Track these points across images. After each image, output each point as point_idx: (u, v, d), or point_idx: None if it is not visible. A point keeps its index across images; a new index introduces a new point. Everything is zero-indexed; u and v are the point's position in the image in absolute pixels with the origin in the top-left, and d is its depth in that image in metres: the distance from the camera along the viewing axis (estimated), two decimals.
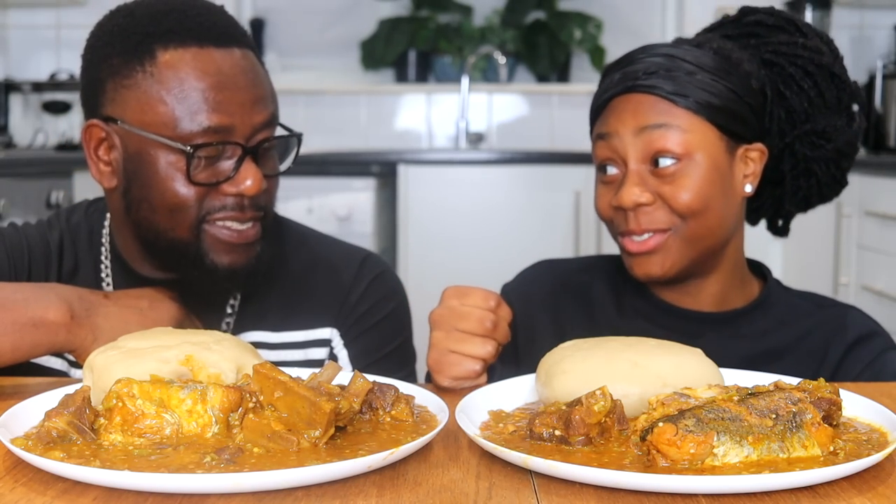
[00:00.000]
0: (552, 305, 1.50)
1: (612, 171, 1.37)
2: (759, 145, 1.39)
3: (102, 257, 1.39)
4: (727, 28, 1.47)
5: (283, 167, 1.36)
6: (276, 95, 1.32)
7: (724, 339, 1.39)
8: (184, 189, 1.24)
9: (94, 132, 1.29)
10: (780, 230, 1.58)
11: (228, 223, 1.27)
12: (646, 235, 1.35)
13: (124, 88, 1.25)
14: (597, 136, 1.40)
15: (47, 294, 1.18)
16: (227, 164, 1.25)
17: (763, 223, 1.57)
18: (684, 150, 1.33)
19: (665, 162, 1.33)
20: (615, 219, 1.38)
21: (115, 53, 1.26)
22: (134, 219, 1.29)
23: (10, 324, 1.15)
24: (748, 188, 1.40)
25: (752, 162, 1.39)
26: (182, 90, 1.22)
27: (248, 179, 1.25)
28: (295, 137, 1.35)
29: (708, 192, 1.34)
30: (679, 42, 1.42)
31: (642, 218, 1.34)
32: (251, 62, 1.28)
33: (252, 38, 1.33)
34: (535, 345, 1.44)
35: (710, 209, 1.35)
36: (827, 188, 1.47)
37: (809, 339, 1.41)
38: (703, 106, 1.34)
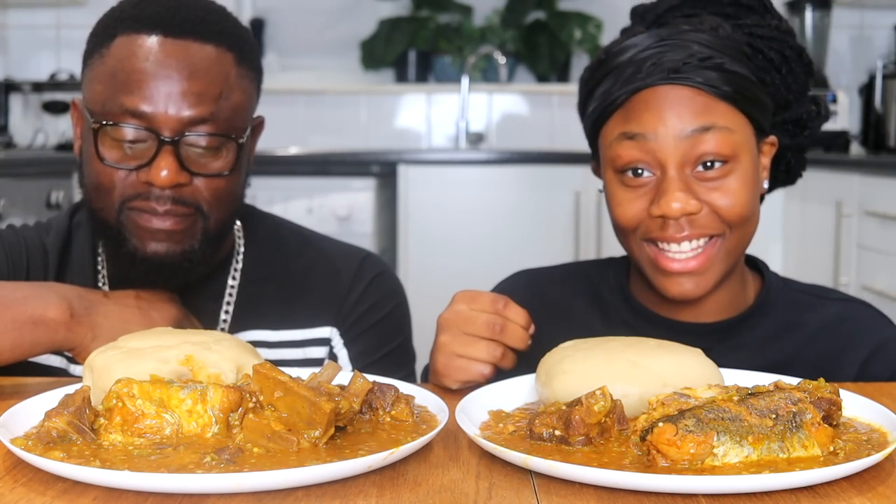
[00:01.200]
0: None
1: (643, 174, 1.24)
2: (772, 138, 1.31)
3: (98, 258, 1.40)
4: (702, 5, 1.34)
5: (215, 169, 1.28)
6: (235, 98, 1.28)
7: (724, 351, 1.27)
8: (100, 167, 1.26)
9: (74, 112, 1.35)
10: None
11: (147, 212, 1.26)
12: (687, 248, 1.23)
13: (88, 69, 1.30)
14: (621, 134, 1.25)
15: (47, 292, 1.18)
16: (147, 153, 1.25)
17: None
18: (731, 151, 1.22)
19: (712, 166, 1.22)
20: (648, 227, 1.25)
21: (91, 39, 1.31)
22: (83, 196, 1.34)
23: (10, 322, 1.15)
24: (765, 184, 1.32)
25: (763, 156, 1.31)
26: (116, 72, 1.25)
27: (164, 170, 1.23)
28: (234, 142, 1.28)
29: (753, 197, 1.25)
30: (679, 27, 1.29)
31: (686, 225, 1.22)
32: (207, 59, 1.26)
33: (231, 34, 1.30)
34: None
35: (755, 214, 1.26)
36: (793, 174, 1.40)
37: (817, 345, 1.32)
38: (739, 97, 1.23)
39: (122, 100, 1.23)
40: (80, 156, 1.33)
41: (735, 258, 1.28)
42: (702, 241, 1.24)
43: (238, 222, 1.44)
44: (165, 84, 1.23)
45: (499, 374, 1.29)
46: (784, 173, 1.39)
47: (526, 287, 1.43)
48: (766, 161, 1.31)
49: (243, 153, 1.31)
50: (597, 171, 1.38)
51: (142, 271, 1.27)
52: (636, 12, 1.38)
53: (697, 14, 1.33)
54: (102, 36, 1.29)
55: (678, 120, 1.21)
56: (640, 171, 1.24)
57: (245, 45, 1.32)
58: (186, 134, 1.24)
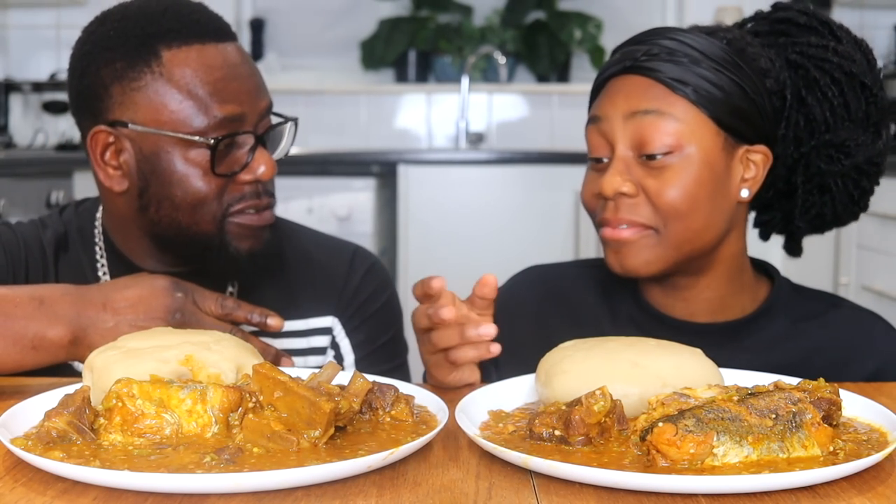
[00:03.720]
0: (537, 315, 1.43)
1: (601, 158, 1.29)
2: (763, 148, 1.29)
3: (97, 255, 1.40)
4: (756, 23, 1.37)
5: (282, 152, 1.37)
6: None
7: (730, 352, 1.27)
8: (204, 183, 1.27)
9: (100, 138, 1.30)
10: (791, 248, 1.46)
11: (248, 211, 1.30)
12: (623, 226, 1.26)
13: (133, 91, 1.27)
14: (589, 119, 1.32)
15: (46, 312, 1.17)
16: (241, 153, 1.29)
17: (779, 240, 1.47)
18: (676, 140, 1.24)
19: (654, 151, 1.24)
20: (598, 209, 1.30)
21: (117, 58, 1.27)
22: (153, 218, 1.30)
23: (12, 345, 1.16)
24: (745, 193, 1.30)
25: (753, 165, 1.29)
26: (193, 86, 1.26)
27: (262, 166, 1.29)
28: (292, 122, 1.39)
29: (696, 192, 1.25)
30: (693, 28, 1.33)
31: (622, 208, 1.26)
32: (245, 53, 1.33)
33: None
34: (519, 355, 1.37)
35: (697, 210, 1.25)
36: (842, 208, 1.37)
37: (825, 353, 1.31)
38: (702, 97, 1.24)
39: (214, 110, 1.26)
40: (126, 179, 1.30)
41: (685, 251, 1.27)
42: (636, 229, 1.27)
43: None
44: (242, 84, 1.29)
45: (499, 373, 1.29)
46: (830, 206, 1.37)
47: (537, 282, 1.46)
48: (755, 171, 1.30)
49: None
50: None
51: (245, 270, 1.32)
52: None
53: (760, 32, 1.36)
54: (139, 55, 1.26)
55: (626, 101, 1.27)
56: (601, 158, 1.29)
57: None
58: (269, 126, 1.32)
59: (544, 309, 1.43)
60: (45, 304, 1.18)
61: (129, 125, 1.27)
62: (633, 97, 1.26)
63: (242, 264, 1.32)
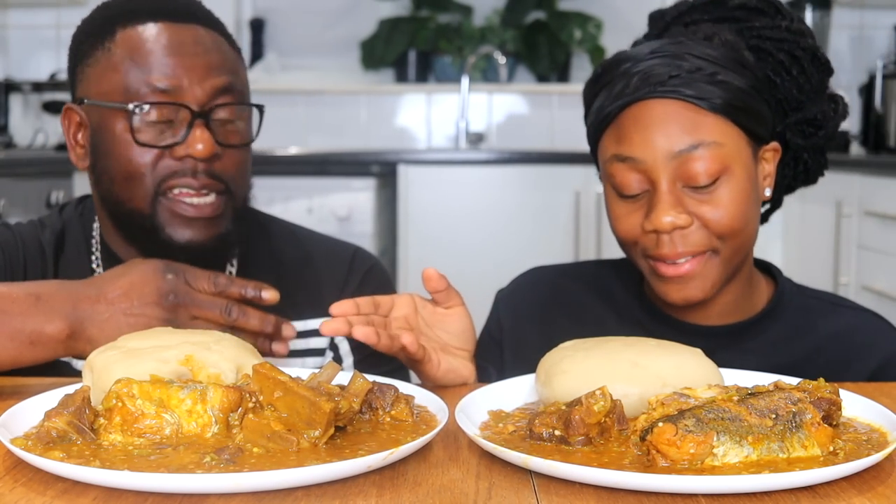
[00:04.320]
0: (541, 316, 1.43)
1: (637, 192, 1.25)
2: (775, 144, 1.31)
3: (93, 249, 1.41)
4: (708, 12, 1.34)
5: (244, 138, 1.34)
6: (242, 75, 1.35)
7: (734, 354, 1.29)
8: (134, 154, 1.27)
9: (70, 116, 1.36)
10: (763, 216, 1.44)
11: (185, 197, 1.28)
12: (682, 259, 1.24)
13: (88, 67, 1.32)
14: (614, 156, 1.26)
15: (43, 308, 1.18)
16: (179, 129, 1.28)
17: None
18: (721, 165, 1.22)
19: (703, 183, 1.22)
20: (644, 242, 1.26)
21: (83, 40, 1.33)
22: (101, 193, 1.33)
23: (9, 340, 1.16)
24: (767, 191, 1.31)
25: (766, 162, 1.30)
26: (134, 58, 1.28)
27: (199, 143, 1.26)
28: (256, 108, 1.36)
29: (745, 206, 1.24)
30: (677, 37, 1.30)
31: (679, 241, 1.23)
32: (210, 37, 1.32)
33: (220, 22, 1.37)
34: (523, 356, 1.38)
35: (749, 222, 1.26)
36: (813, 173, 1.40)
37: (826, 353, 1.32)
38: (731, 109, 1.23)
39: (146, 79, 1.26)
40: (87, 156, 1.34)
41: (734, 266, 1.28)
42: (691, 257, 1.25)
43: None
44: (187, 59, 1.28)
45: (503, 374, 1.30)
46: (803, 174, 1.39)
47: (540, 283, 1.46)
48: (769, 168, 1.31)
49: (262, 122, 1.36)
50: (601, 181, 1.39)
51: (175, 258, 1.28)
52: (652, 17, 1.40)
53: (697, 22, 1.33)
54: (98, 34, 1.31)
55: (666, 139, 1.22)
56: (636, 195, 1.26)
57: (231, 36, 1.38)
58: (214, 105, 1.28)
59: (548, 310, 1.43)
60: (42, 299, 1.18)
61: (84, 101, 1.32)
62: (673, 134, 1.22)
63: (177, 254, 1.28)
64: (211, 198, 1.29)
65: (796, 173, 1.38)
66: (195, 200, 1.28)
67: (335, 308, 1.16)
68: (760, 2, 1.33)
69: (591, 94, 1.33)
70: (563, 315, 1.41)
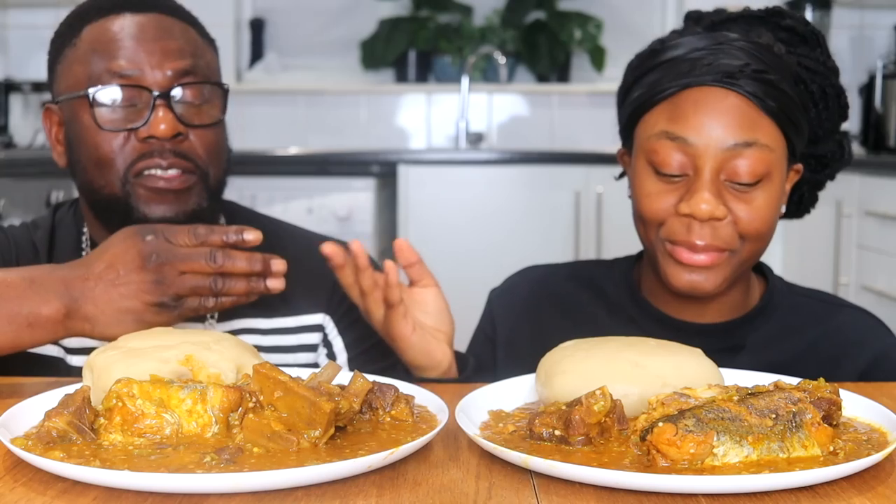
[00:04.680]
0: (534, 313, 1.44)
1: (675, 173, 1.25)
2: (799, 165, 1.32)
3: (83, 246, 1.42)
4: (755, 25, 1.33)
5: (211, 118, 1.35)
6: (208, 59, 1.37)
7: (726, 351, 1.31)
8: (101, 139, 1.30)
9: (50, 117, 1.39)
10: None
11: (152, 171, 1.30)
12: (703, 255, 1.25)
13: (59, 65, 1.36)
14: (664, 132, 1.25)
15: (38, 290, 1.18)
16: (142, 111, 1.31)
17: None
18: (766, 169, 1.23)
19: (748, 181, 1.23)
20: (671, 224, 1.26)
21: (56, 41, 1.37)
22: (80, 185, 1.37)
23: (7, 323, 1.16)
24: (783, 208, 1.32)
25: (788, 182, 1.32)
26: (96, 48, 1.32)
27: (161, 124, 1.29)
28: (218, 87, 1.37)
29: (775, 215, 1.26)
30: (751, 38, 1.28)
31: (708, 232, 1.23)
32: (173, 23, 1.35)
33: (187, 11, 1.40)
34: (516, 354, 1.41)
35: (772, 231, 1.27)
36: (804, 208, 1.41)
37: (818, 350, 1.33)
38: (784, 117, 1.24)
39: (107, 66, 1.30)
40: (65, 153, 1.38)
41: (744, 269, 1.30)
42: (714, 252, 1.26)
43: (222, 217, 1.47)
44: (145, 44, 1.31)
45: (498, 370, 1.30)
46: (795, 205, 1.40)
47: (532, 282, 1.47)
48: (788, 187, 1.32)
49: (227, 102, 1.38)
50: (623, 160, 1.39)
51: None
52: (691, 16, 1.39)
53: (754, 28, 1.33)
54: (68, 33, 1.35)
55: (723, 130, 1.22)
56: (676, 175, 1.25)
57: (200, 24, 1.41)
58: (175, 86, 1.31)
59: (540, 307, 1.44)
60: (36, 282, 1.18)
61: (58, 99, 1.36)
62: (731, 126, 1.22)
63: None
64: (177, 172, 1.31)
65: (790, 203, 1.39)
66: (163, 173, 1.31)
67: (326, 246, 1.20)
68: (808, 30, 1.33)
69: (642, 68, 1.32)
70: (556, 313, 1.42)
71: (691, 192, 1.23)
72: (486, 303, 1.50)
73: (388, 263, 1.22)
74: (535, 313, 1.44)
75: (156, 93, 1.30)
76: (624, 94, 1.35)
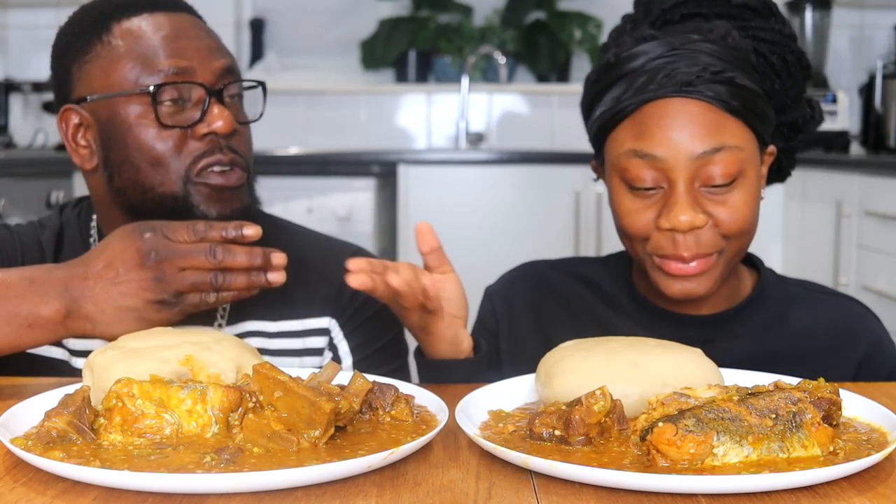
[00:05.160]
0: (535, 307, 1.45)
1: (650, 186, 1.25)
2: (772, 147, 1.33)
3: (92, 247, 1.40)
4: (706, 5, 1.33)
5: (252, 115, 1.38)
6: (233, 56, 1.38)
7: (722, 341, 1.33)
8: (158, 137, 1.28)
9: (68, 118, 1.34)
10: None
11: (212, 169, 1.29)
12: (693, 264, 1.25)
13: (87, 64, 1.31)
14: (632, 151, 1.25)
15: (37, 290, 1.18)
16: (196, 109, 1.29)
17: None
18: (739, 168, 1.24)
19: (721, 183, 1.23)
20: (656, 240, 1.27)
21: (76, 38, 1.33)
22: (118, 186, 1.31)
23: (7, 325, 1.16)
24: (763, 193, 1.32)
25: (763, 165, 1.32)
26: (139, 46, 1.28)
27: (220, 120, 1.28)
28: (259, 85, 1.39)
29: (755, 208, 1.27)
30: (688, 33, 1.28)
31: (692, 241, 1.24)
32: (199, 23, 1.35)
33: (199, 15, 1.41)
34: (518, 346, 1.43)
35: (755, 223, 1.28)
36: (784, 173, 1.41)
37: (815, 338, 1.35)
38: (748, 112, 1.24)
39: (159, 64, 1.27)
40: (95, 154, 1.32)
41: (733, 265, 1.31)
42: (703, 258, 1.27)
43: None
44: (193, 42, 1.30)
45: (500, 362, 1.30)
46: (776, 173, 1.41)
47: (531, 274, 1.49)
48: (764, 170, 1.33)
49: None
50: (597, 170, 1.40)
51: None
52: (640, 2, 1.39)
53: (704, 14, 1.33)
54: (92, 31, 1.31)
55: (690, 139, 1.22)
56: (649, 188, 1.26)
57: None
58: (227, 83, 1.31)
59: (540, 300, 1.45)
60: (36, 282, 1.18)
61: (88, 98, 1.31)
62: (697, 135, 1.22)
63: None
64: (235, 169, 1.31)
65: (770, 173, 1.39)
66: (222, 170, 1.30)
67: (352, 263, 1.15)
68: (759, 2, 1.33)
69: (600, 83, 1.32)
70: (555, 305, 1.44)
71: (668, 205, 1.24)
72: (483, 298, 1.50)
73: (428, 278, 1.20)
74: (535, 305, 1.45)
75: (211, 89, 1.29)
76: (588, 109, 1.36)
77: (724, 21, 1.32)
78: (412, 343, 1.35)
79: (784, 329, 1.36)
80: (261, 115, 1.39)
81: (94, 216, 1.42)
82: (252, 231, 1.22)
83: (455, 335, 1.23)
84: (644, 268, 1.32)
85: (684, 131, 1.23)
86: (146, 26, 1.29)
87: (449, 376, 1.22)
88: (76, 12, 1.37)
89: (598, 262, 1.50)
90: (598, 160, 1.39)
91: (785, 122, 1.35)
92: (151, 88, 1.26)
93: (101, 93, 1.29)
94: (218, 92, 1.30)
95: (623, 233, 1.32)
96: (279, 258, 1.22)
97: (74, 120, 1.33)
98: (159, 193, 1.29)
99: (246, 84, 1.37)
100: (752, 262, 1.42)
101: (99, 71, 1.30)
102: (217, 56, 1.31)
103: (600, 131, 1.32)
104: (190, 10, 1.36)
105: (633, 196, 1.28)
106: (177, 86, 1.27)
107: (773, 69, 1.30)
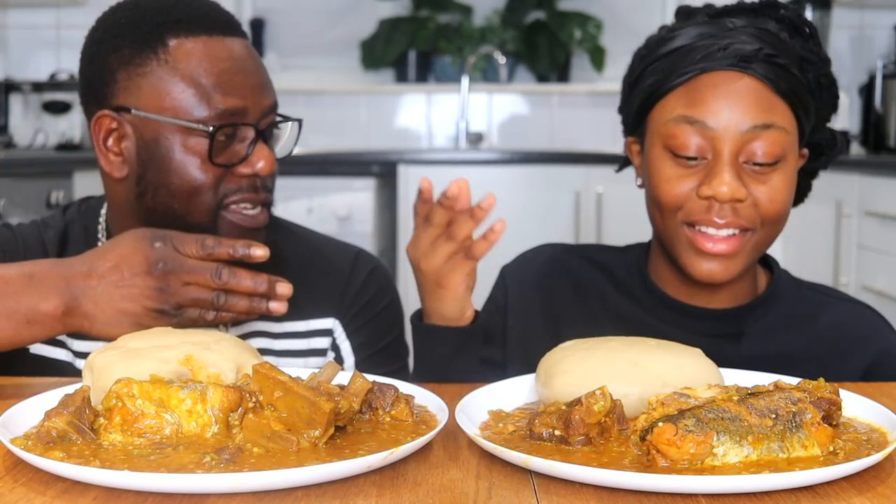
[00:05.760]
0: (545, 287, 1.46)
1: (694, 155, 1.26)
2: (805, 150, 1.34)
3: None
4: (760, 18, 1.33)
5: (285, 152, 1.37)
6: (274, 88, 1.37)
7: (731, 337, 1.34)
8: (201, 172, 1.27)
9: (103, 123, 1.30)
10: None
11: (243, 206, 1.29)
12: (724, 232, 1.26)
13: (138, 77, 1.27)
14: (682, 117, 1.27)
15: (37, 286, 1.17)
16: (241, 147, 1.28)
17: None
18: (783, 150, 1.25)
19: (766, 161, 1.25)
20: (691, 207, 1.27)
21: (125, 44, 1.28)
22: (149, 205, 1.30)
23: (5, 321, 1.16)
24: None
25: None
26: (196, 75, 1.26)
27: (262, 161, 1.28)
28: (296, 123, 1.39)
29: (791, 197, 1.29)
30: (758, 24, 1.30)
31: (728, 211, 1.25)
32: (252, 50, 1.33)
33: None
34: (526, 323, 1.44)
35: (787, 214, 1.29)
36: (799, 197, 1.41)
37: (823, 342, 1.35)
38: (797, 99, 1.26)
39: (217, 101, 1.25)
40: (127, 165, 1.30)
41: (759, 253, 1.32)
42: (736, 231, 1.27)
43: None
44: (249, 77, 1.29)
45: (509, 340, 1.30)
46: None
47: (547, 255, 1.51)
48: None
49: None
50: (630, 147, 1.40)
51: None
52: (681, 12, 1.39)
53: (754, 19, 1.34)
54: (146, 41, 1.27)
55: (741, 113, 1.24)
56: (695, 157, 1.27)
57: None
58: (271, 123, 1.31)
59: (552, 280, 1.47)
60: (36, 278, 1.18)
61: (133, 111, 1.28)
62: (750, 109, 1.24)
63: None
64: (262, 210, 1.31)
65: None
66: (251, 212, 1.30)
67: (425, 180, 1.20)
68: (802, 21, 1.34)
69: (652, 56, 1.32)
70: (567, 287, 1.45)
71: (711, 174, 1.25)
72: (498, 276, 1.52)
73: (500, 223, 1.23)
74: (547, 283, 1.46)
75: (259, 129, 1.28)
76: (633, 82, 1.36)
77: (774, 23, 1.34)
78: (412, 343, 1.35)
79: (792, 331, 1.36)
80: (291, 152, 1.38)
81: (101, 215, 1.41)
82: (261, 252, 1.22)
83: (464, 294, 1.24)
84: (672, 245, 1.31)
85: (737, 103, 1.25)
86: (204, 53, 1.27)
87: (443, 343, 1.23)
88: (122, 11, 1.32)
89: (616, 250, 1.51)
90: (636, 135, 1.38)
91: (810, 142, 1.36)
92: (210, 128, 1.25)
93: (151, 112, 1.27)
94: (264, 131, 1.30)
95: (657, 203, 1.31)
96: (284, 288, 1.23)
97: (111, 125, 1.30)
98: (187, 221, 1.28)
99: (286, 120, 1.37)
100: (768, 264, 1.43)
101: (151, 89, 1.26)
102: (266, 94, 1.31)
103: (648, 100, 1.32)
104: (243, 35, 1.34)
105: (674, 164, 1.28)
106: (237, 128, 1.27)
107: (807, 87, 1.31)
